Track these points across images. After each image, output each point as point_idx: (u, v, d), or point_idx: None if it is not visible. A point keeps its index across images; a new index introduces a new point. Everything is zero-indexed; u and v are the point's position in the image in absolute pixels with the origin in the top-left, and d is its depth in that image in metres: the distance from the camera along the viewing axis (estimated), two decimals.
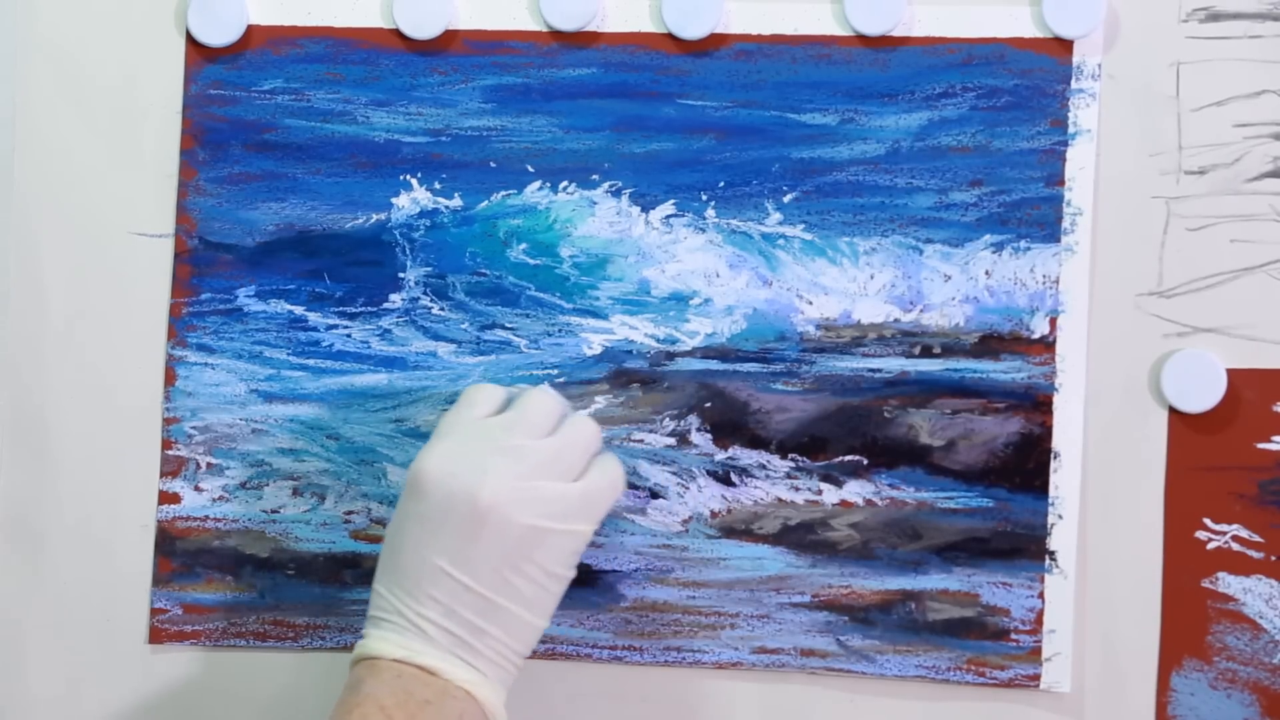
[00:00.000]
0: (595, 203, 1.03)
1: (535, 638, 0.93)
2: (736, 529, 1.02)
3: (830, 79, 1.01)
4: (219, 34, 1.04)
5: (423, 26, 1.03)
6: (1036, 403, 1.00)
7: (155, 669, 1.05)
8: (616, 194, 1.03)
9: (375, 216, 1.04)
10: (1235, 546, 0.99)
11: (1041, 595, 1.00)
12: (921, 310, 1.01)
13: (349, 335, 1.04)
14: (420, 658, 0.91)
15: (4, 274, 1.05)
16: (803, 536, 1.01)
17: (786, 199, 1.02)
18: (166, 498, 1.04)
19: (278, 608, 1.04)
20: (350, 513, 1.03)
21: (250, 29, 1.04)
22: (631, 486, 1.02)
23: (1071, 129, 1.00)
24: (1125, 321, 1.00)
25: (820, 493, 1.01)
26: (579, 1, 1.02)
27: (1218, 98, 0.99)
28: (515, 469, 0.92)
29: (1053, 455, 1.00)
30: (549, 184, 1.03)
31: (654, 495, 1.02)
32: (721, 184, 1.02)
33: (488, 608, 0.91)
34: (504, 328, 1.03)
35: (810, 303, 1.01)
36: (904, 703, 1.01)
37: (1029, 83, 1.00)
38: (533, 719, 1.03)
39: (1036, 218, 1.00)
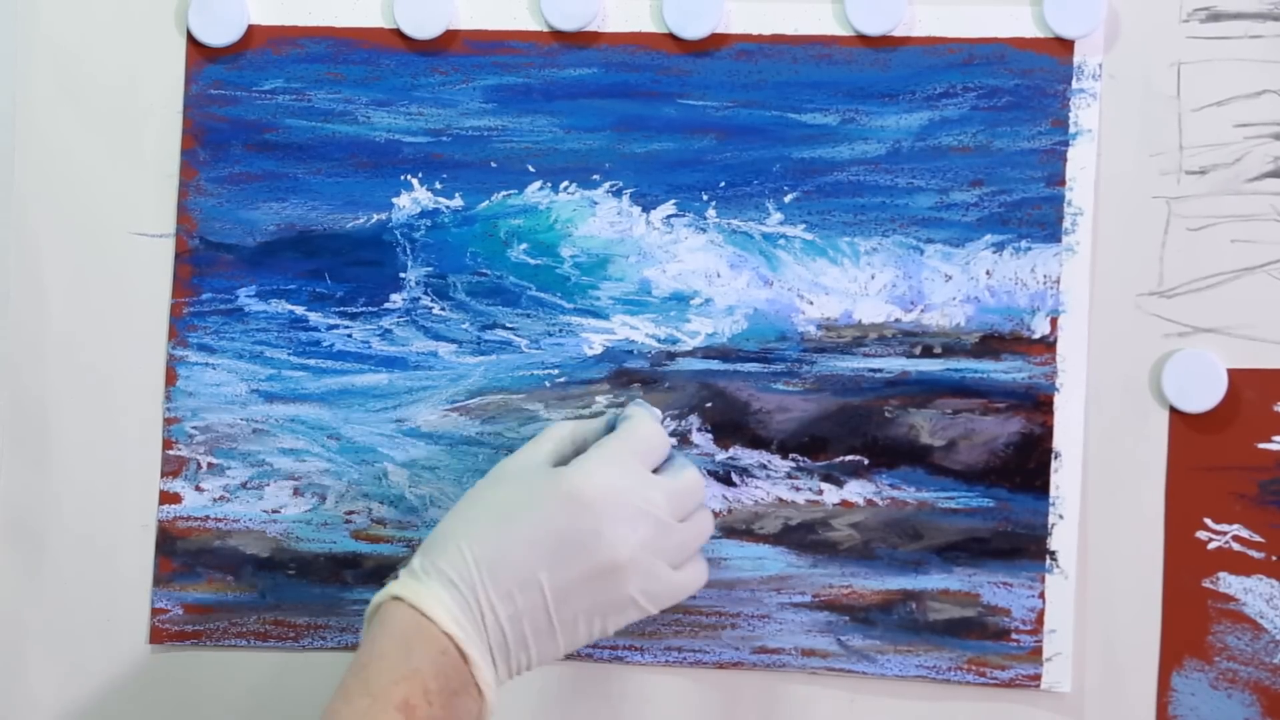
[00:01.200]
0: (596, 203, 1.03)
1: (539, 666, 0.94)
2: (737, 529, 1.02)
3: (831, 79, 1.01)
4: (220, 34, 1.04)
5: (423, 26, 1.03)
6: (1037, 403, 1.00)
7: (155, 669, 1.05)
8: (617, 194, 1.03)
9: (376, 216, 1.04)
10: (1236, 546, 0.99)
11: (1042, 595, 1.00)
12: (922, 310, 1.01)
13: (350, 335, 1.04)
14: (468, 644, 0.90)
15: (4, 274, 1.05)
16: (803, 536, 1.01)
17: (787, 199, 1.02)
18: (167, 498, 1.04)
19: (278, 608, 1.04)
20: (351, 513, 1.03)
21: (251, 29, 1.04)
22: None
23: (1072, 129, 1.00)
24: (1126, 321, 1.00)
25: (821, 493, 1.01)
26: (579, 1, 1.02)
27: (1218, 98, 0.99)
28: (654, 542, 0.93)
29: (1053, 455, 1.00)
30: (550, 184, 1.03)
31: None
32: (722, 184, 1.02)
33: (546, 634, 0.92)
34: (505, 328, 1.03)
35: (811, 303, 1.01)
36: (904, 703, 1.01)
37: (1030, 83, 1.00)
38: (533, 719, 1.03)
39: (1037, 218, 1.00)
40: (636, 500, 0.92)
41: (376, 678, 0.89)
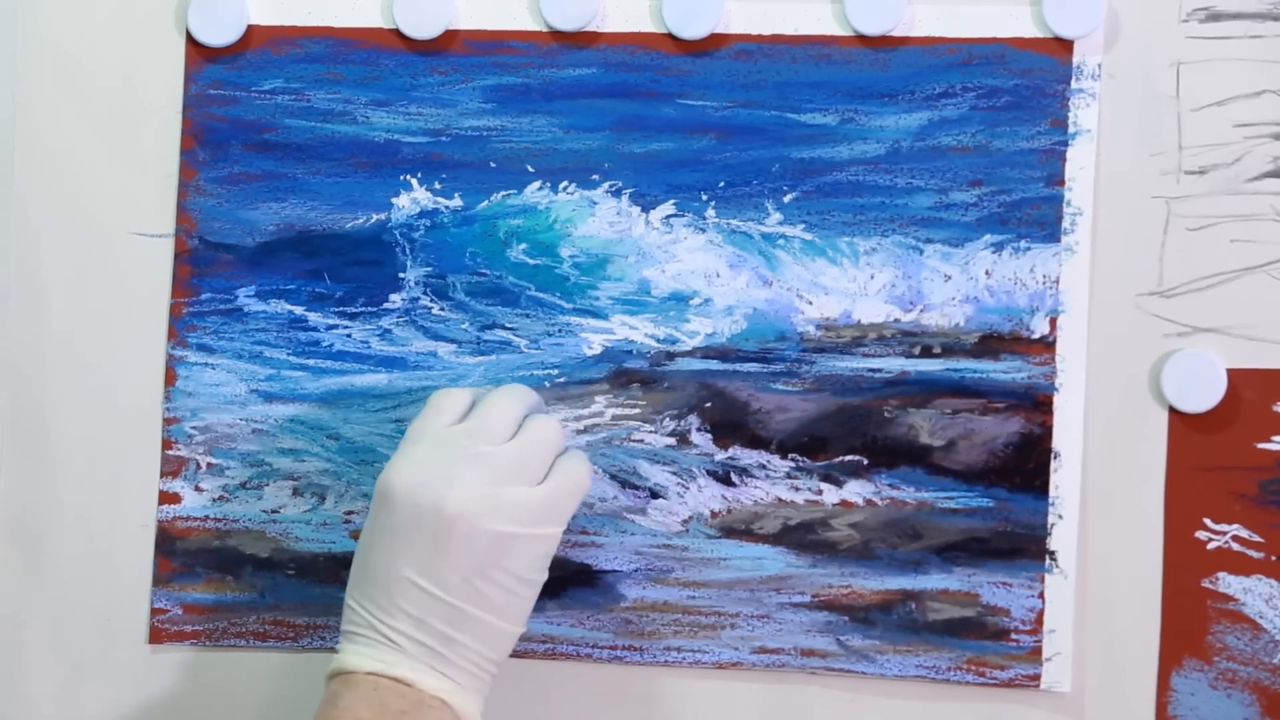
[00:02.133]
0: (595, 203, 1.03)
1: (510, 643, 0.94)
2: (736, 529, 1.02)
3: (830, 79, 1.01)
4: (219, 34, 1.04)
5: (423, 26, 1.03)
6: (1036, 403, 1.00)
7: (155, 669, 1.05)
8: (617, 194, 1.03)
9: (375, 216, 1.04)
10: (1235, 546, 0.99)
11: (1042, 595, 1.00)
12: (922, 310, 1.01)
13: (349, 335, 1.04)
14: (394, 669, 0.91)
15: (4, 274, 1.05)
16: (803, 536, 1.01)
17: (787, 199, 1.02)
18: (166, 498, 1.04)
19: (278, 608, 1.04)
20: (350, 513, 1.03)
21: (250, 29, 1.04)
22: (631, 486, 1.02)
23: (1071, 129, 1.00)
24: (1125, 321, 1.00)
25: (820, 493, 1.01)
26: (579, 1, 1.02)
27: (1218, 97, 0.99)
28: (480, 476, 0.92)
29: (1053, 455, 1.00)
30: (549, 184, 1.03)
31: (654, 495, 1.02)
32: (721, 184, 1.02)
33: (459, 617, 0.92)
34: (504, 328, 1.03)
35: (810, 303, 1.01)
36: (904, 703, 1.01)
37: (1029, 83, 1.00)
38: (533, 719, 1.03)
39: (1036, 218, 1.00)
40: (439, 455, 0.93)
41: None
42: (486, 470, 0.92)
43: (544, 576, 0.94)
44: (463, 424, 0.95)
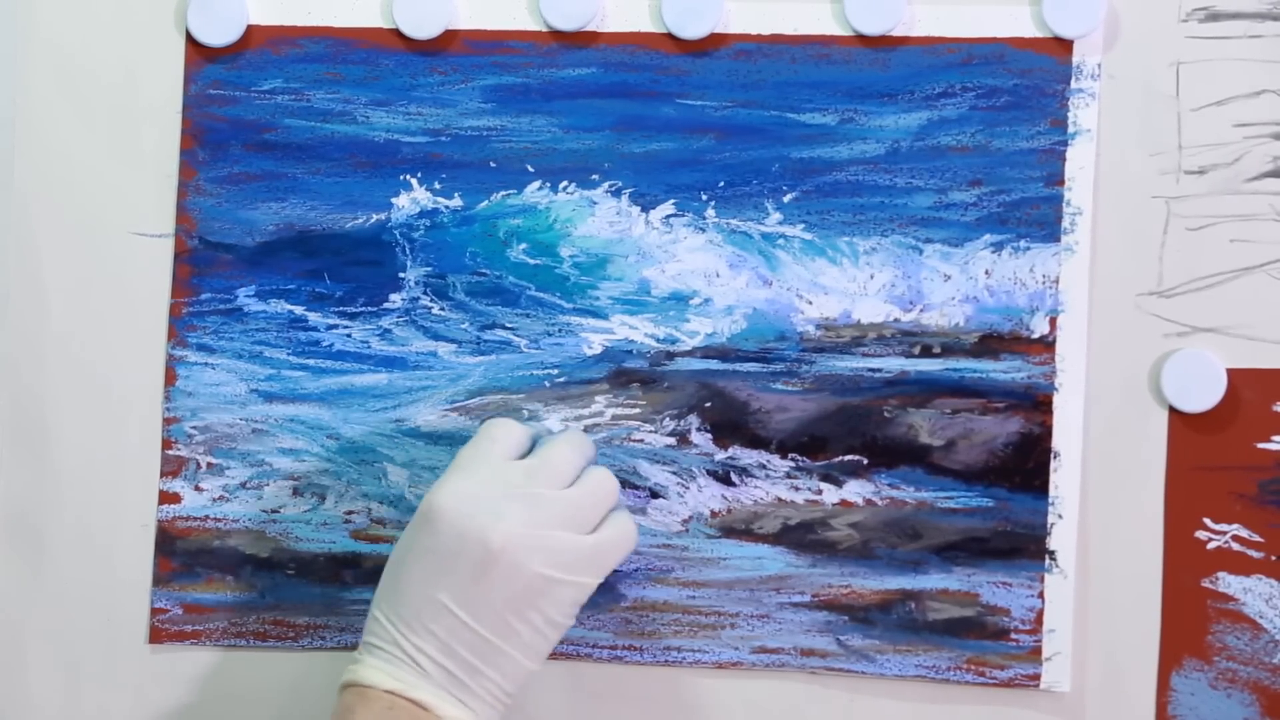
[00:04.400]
0: (595, 203, 1.03)
1: (525, 680, 0.94)
2: (736, 529, 1.02)
3: (830, 79, 1.01)
4: (219, 34, 1.04)
5: (423, 26, 1.03)
6: (1036, 402, 1.00)
7: (155, 669, 1.05)
8: (616, 194, 1.03)
9: (375, 216, 1.04)
10: (1235, 546, 0.99)
11: (1041, 595, 1.00)
12: (921, 310, 1.01)
13: (349, 335, 1.04)
14: (413, 691, 0.91)
15: (4, 274, 1.05)
16: (803, 536, 1.01)
17: (786, 199, 1.02)
18: (167, 497, 1.04)
19: (278, 608, 1.04)
20: (350, 512, 1.03)
21: (250, 29, 1.04)
22: (631, 486, 1.02)
23: (1071, 129, 1.00)
24: (1125, 321, 1.00)
25: (820, 492, 1.01)
26: (579, 1, 1.02)
27: (1218, 97, 0.99)
28: (531, 517, 0.92)
29: (1053, 455, 1.00)
30: (549, 184, 1.03)
31: (654, 495, 1.02)
32: (721, 184, 1.02)
33: (486, 649, 0.92)
34: (504, 328, 1.03)
35: (810, 302, 1.01)
36: (904, 703, 1.01)
37: (1029, 82, 1.00)
38: (533, 719, 1.03)
39: (1036, 217, 1.00)
40: (493, 487, 0.93)
41: None
42: (539, 512, 0.93)
43: (571, 622, 0.94)
44: (523, 461, 0.95)
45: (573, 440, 0.96)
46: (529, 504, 0.93)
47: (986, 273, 1.00)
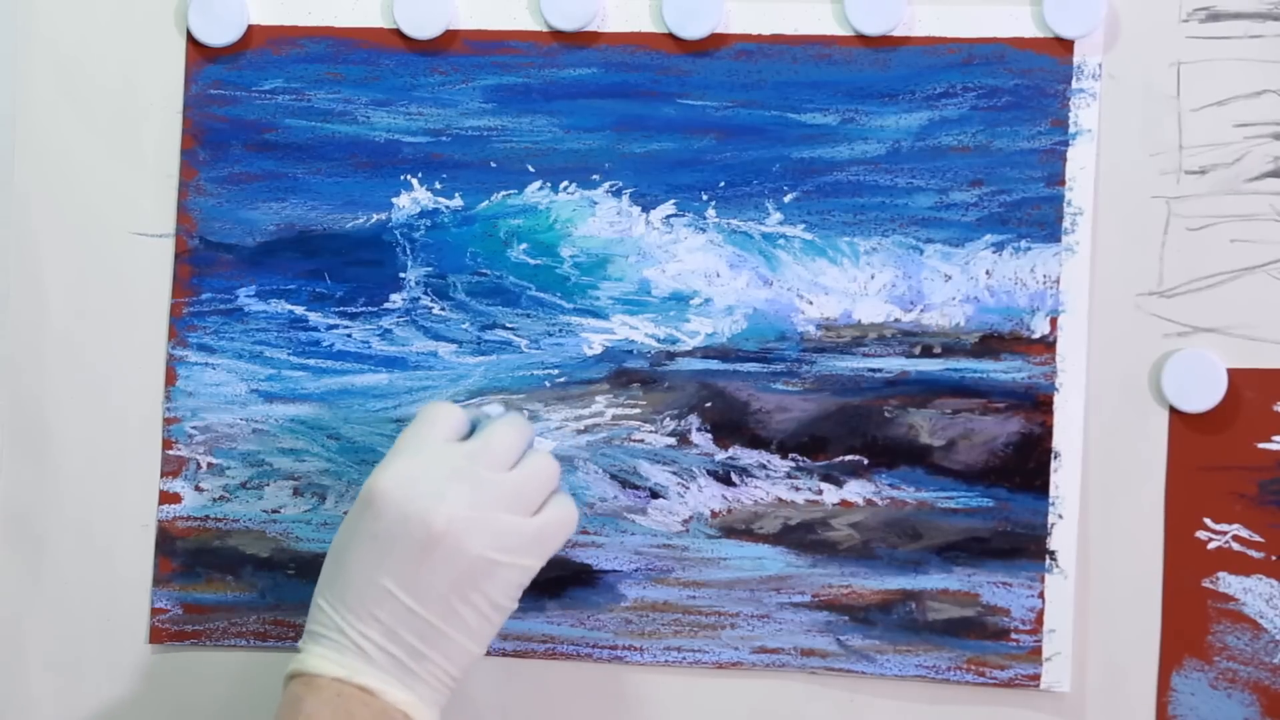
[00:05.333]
0: (596, 203, 1.03)
1: (471, 664, 0.93)
2: (737, 529, 1.02)
3: (830, 79, 1.01)
4: (219, 34, 1.04)
5: (423, 26, 1.03)
6: (1037, 403, 1.00)
7: (155, 669, 1.05)
8: (617, 194, 1.03)
9: (376, 216, 1.04)
10: (1235, 546, 0.99)
11: (1041, 595, 1.00)
12: (922, 310, 1.01)
13: (349, 335, 1.04)
14: (360, 677, 0.91)
15: (4, 274, 1.05)
16: (803, 536, 1.01)
17: (787, 199, 1.02)
18: (167, 497, 1.04)
19: (278, 608, 1.04)
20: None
21: (250, 29, 1.04)
22: (632, 486, 1.02)
23: (1072, 129, 1.00)
24: (1125, 321, 1.00)
25: (820, 492, 1.01)
26: (579, 1, 1.02)
27: (1218, 97, 0.99)
28: (473, 498, 0.92)
29: (1053, 455, 1.00)
30: (549, 184, 1.03)
31: (654, 495, 1.02)
32: (722, 184, 1.02)
33: (431, 633, 0.91)
34: (504, 328, 1.03)
35: (810, 303, 1.01)
36: (904, 703, 1.01)
37: (1029, 82, 1.00)
38: (533, 719, 1.03)
39: (1037, 217, 1.00)
40: (435, 470, 0.92)
41: None
42: (481, 493, 0.92)
43: (515, 605, 0.94)
44: (464, 444, 0.94)
45: (513, 423, 0.96)
46: (471, 486, 0.92)
47: (987, 273, 1.01)
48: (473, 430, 0.96)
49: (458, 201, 1.03)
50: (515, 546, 0.92)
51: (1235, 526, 0.99)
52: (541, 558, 0.94)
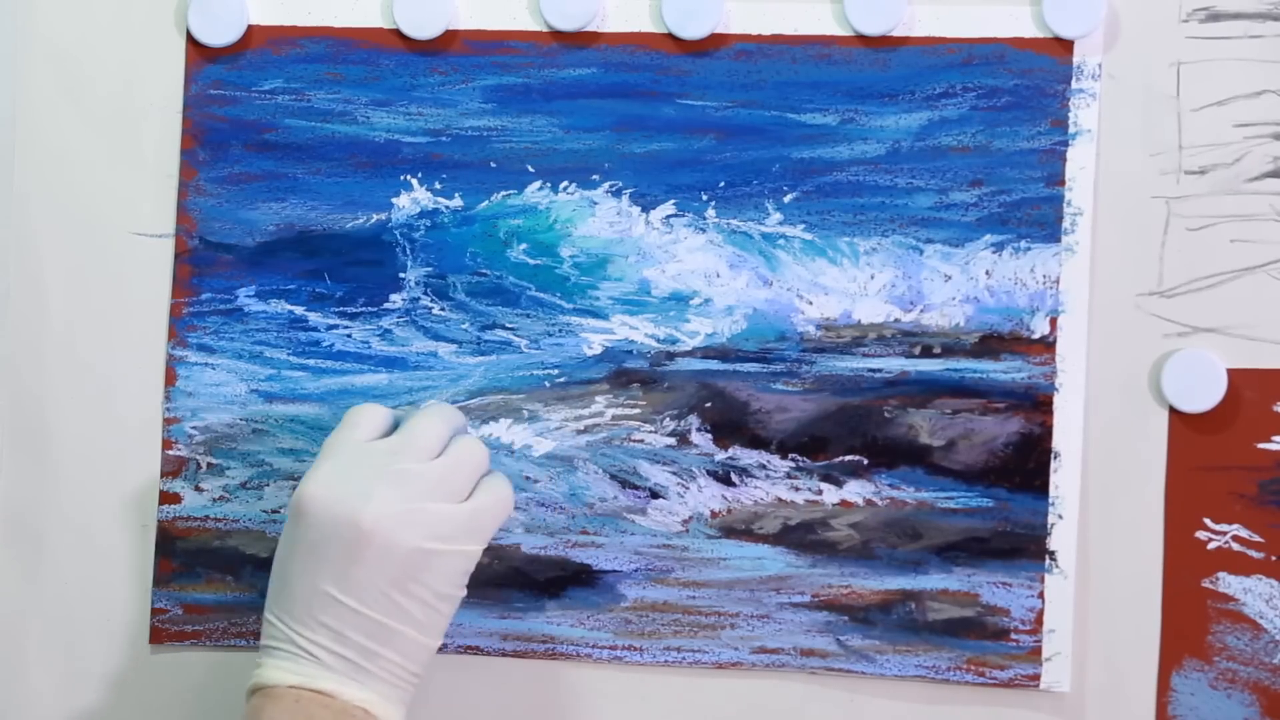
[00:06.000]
0: (595, 203, 1.03)
1: (429, 656, 0.94)
2: (736, 529, 1.02)
3: (830, 79, 1.01)
4: (219, 34, 1.04)
5: (423, 26, 1.03)
6: (1036, 403, 1.00)
7: (155, 669, 1.05)
8: (617, 194, 1.03)
9: (375, 216, 1.04)
10: (1235, 546, 0.99)
11: (1041, 595, 1.00)
12: (922, 310, 1.01)
13: (349, 335, 1.04)
14: (316, 682, 0.91)
15: (4, 274, 1.05)
16: (803, 536, 1.01)
17: (787, 199, 1.02)
18: (167, 498, 1.04)
19: None
20: None
21: (250, 29, 1.04)
22: (631, 486, 1.02)
23: (1072, 129, 1.00)
24: (1125, 321, 1.00)
25: (820, 493, 1.01)
26: (579, 1, 1.02)
27: (1218, 97, 0.99)
28: (400, 492, 0.92)
29: (1053, 455, 1.00)
30: (549, 184, 1.03)
31: (654, 495, 1.02)
32: (722, 184, 1.02)
33: (378, 630, 0.92)
34: (504, 328, 1.03)
35: (810, 303, 1.01)
36: (904, 703, 1.01)
37: (1029, 83, 1.00)
38: (533, 719, 1.03)
39: (1037, 218, 1.00)
40: (358, 469, 0.93)
41: None
42: (408, 487, 0.92)
43: (463, 593, 0.94)
44: (385, 440, 0.95)
45: (435, 412, 0.96)
46: (396, 480, 0.92)
47: (987, 273, 1.00)
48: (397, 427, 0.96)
49: (458, 201, 1.03)
50: (449, 534, 0.93)
51: (1235, 526, 0.99)
52: (480, 541, 0.94)
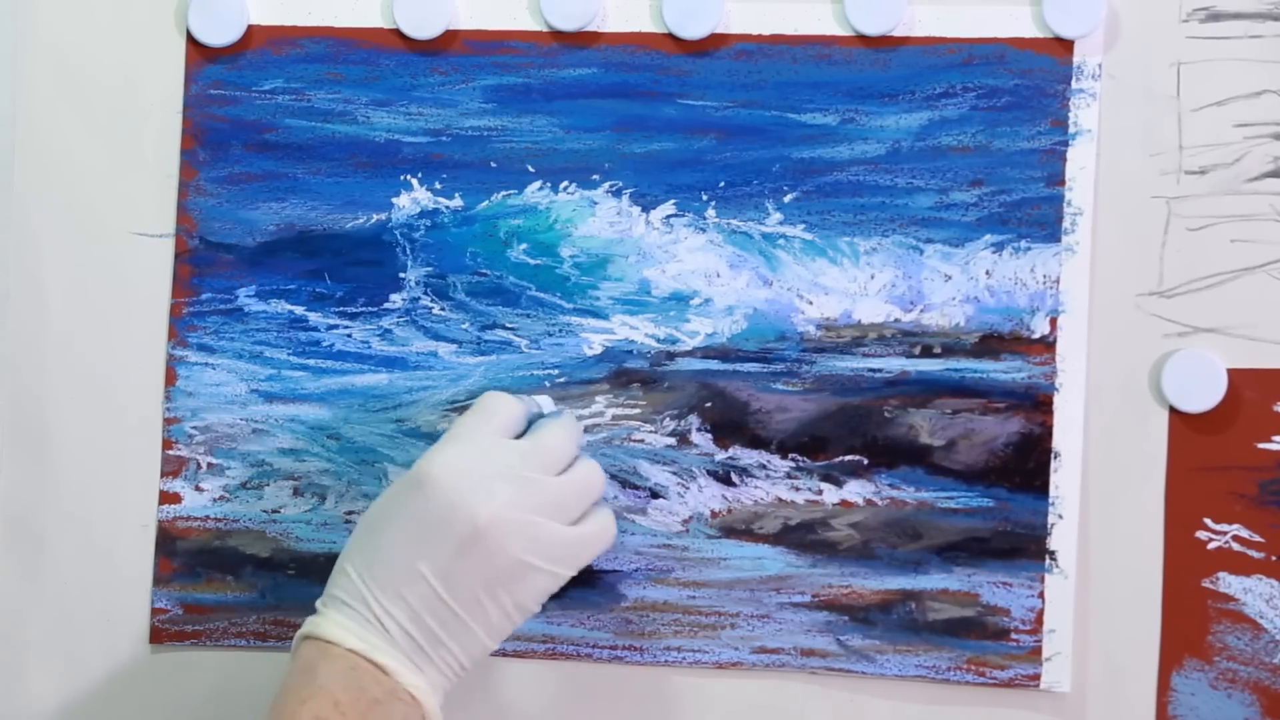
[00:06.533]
0: (596, 203, 1.03)
1: (484, 658, 0.94)
2: (737, 529, 1.02)
3: (830, 79, 1.01)
4: (219, 34, 1.04)
5: (423, 26, 1.03)
6: (1037, 403, 1.00)
7: (155, 669, 1.05)
8: (617, 194, 1.03)
9: (376, 216, 1.04)
10: (1236, 546, 0.99)
11: (1041, 595, 1.00)
12: (922, 310, 1.01)
13: (349, 335, 1.04)
14: (377, 654, 0.91)
15: (4, 274, 1.05)
16: (803, 536, 1.01)
17: (787, 199, 1.02)
18: (167, 498, 1.04)
19: (278, 608, 1.04)
20: (351, 513, 1.03)
21: (250, 29, 1.04)
22: (632, 486, 1.02)
23: (1072, 129, 1.00)
24: (1125, 321, 1.00)
25: (820, 492, 1.01)
26: (579, 1, 1.02)
27: (1218, 97, 0.99)
28: (520, 500, 0.92)
29: (1053, 455, 1.00)
30: (549, 184, 1.03)
31: (654, 495, 1.02)
32: (722, 184, 1.02)
33: (454, 622, 0.92)
34: (505, 328, 1.03)
35: (810, 303, 1.01)
36: (904, 703, 1.01)
37: (1029, 83, 1.00)
38: (533, 719, 1.03)
39: (1037, 218, 1.00)
40: (487, 465, 0.92)
41: (281, 705, 0.90)
42: (530, 497, 0.92)
43: (538, 609, 0.94)
44: (519, 441, 0.95)
45: (567, 426, 0.96)
46: (520, 487, 0.92)
47: (987, 273, 1.01)
48: (528, 425, 0.96)
49: (458, 201, 1.03)
50: (552, 554, 0.93)
51: (1235, 526, 0.99)
52: (575, 568, 0.94)
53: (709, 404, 1.02)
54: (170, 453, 1.04)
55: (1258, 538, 0.99)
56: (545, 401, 0.99)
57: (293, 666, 0.92)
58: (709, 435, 1.02)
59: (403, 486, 0.93)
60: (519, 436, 0.96)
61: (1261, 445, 0.99)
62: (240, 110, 1.04)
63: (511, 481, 0.92)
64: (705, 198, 1.02)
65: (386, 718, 0.90)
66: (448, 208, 1.03)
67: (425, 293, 1.03)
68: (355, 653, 0.91)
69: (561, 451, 0.95)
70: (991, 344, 1.00)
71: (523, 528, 0.92)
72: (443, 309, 1.03)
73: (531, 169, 1.03)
